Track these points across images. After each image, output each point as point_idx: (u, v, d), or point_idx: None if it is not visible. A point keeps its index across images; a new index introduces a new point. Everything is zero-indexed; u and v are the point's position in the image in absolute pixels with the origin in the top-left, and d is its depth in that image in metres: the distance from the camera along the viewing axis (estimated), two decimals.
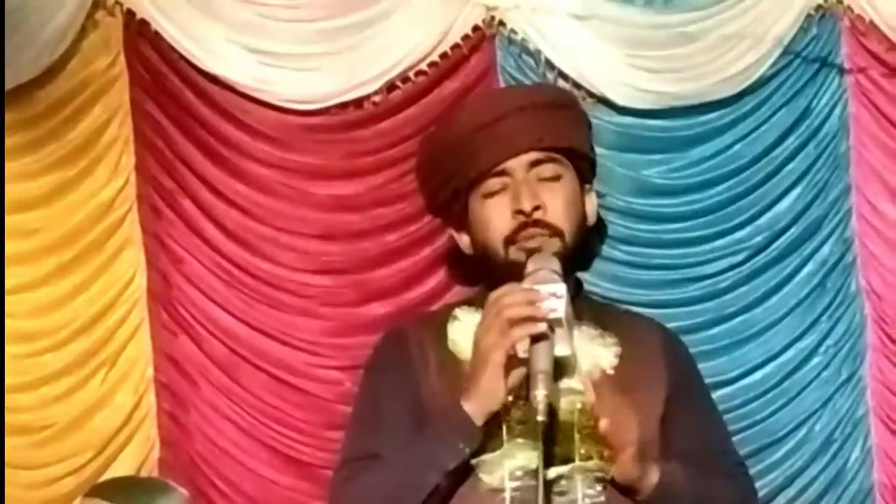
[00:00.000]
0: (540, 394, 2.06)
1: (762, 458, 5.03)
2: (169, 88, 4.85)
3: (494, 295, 2.15)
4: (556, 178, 2.27)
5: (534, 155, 2.25)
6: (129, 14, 4.79)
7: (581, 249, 2.31)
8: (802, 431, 5.20)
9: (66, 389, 4.65)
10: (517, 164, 2.24)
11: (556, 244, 2.25)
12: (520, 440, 2.19)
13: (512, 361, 2.16)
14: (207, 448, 4.77)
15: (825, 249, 5.30)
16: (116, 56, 4.80)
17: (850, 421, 5.25)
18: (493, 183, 2.26)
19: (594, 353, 2.28)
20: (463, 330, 2.31)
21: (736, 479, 2.50)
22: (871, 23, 5.32)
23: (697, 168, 5.21)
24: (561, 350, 2.12)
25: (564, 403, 2.19)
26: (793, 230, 5.27)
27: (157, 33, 4.81)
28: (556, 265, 2.18)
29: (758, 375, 5.14)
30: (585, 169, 2.34)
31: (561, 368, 2.15)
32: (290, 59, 4.91)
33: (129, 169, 4.81)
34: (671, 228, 5.15)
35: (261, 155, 4.90)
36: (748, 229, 5.25)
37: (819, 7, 5.32)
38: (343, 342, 4.86)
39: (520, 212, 2.23)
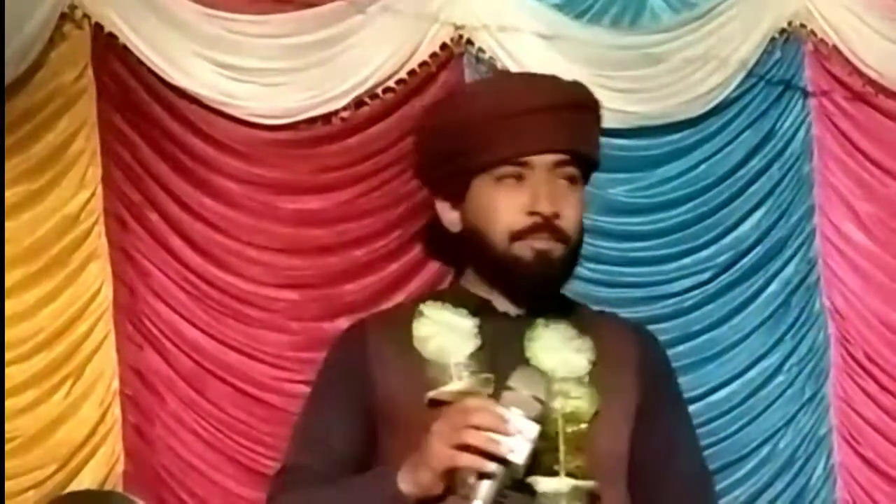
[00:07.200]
0: None
1: (726, 476, 5.06)
2: (136, 102, 4.83)
3: (465, 405, 2.05)
4: (573, 182, 2.23)
5: (559, 156, 2.20)
6: (98, 27, 4.76)
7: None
8: (766, 449, 5.24)
9: (31, 402, 4.60)
10: (541, 161, 2.17)
11: (561, 249, 2.20)
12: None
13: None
14: (173, 461, 4.74)
15: (789, 269, 5.35)
16: (84, 69, 4.77)
17: (814, 439, 5.29)
18: (509, 170, 2.19)
19: (567, 359, 2.23)
20: (429, 326, 2.24)
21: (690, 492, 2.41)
22: (834, 47, 5.39)
23: (663, 187, 5.25)
24: (514, 457, 2.00)
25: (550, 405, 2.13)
26: (757, 250, 5.32)
27: (124, 47, 4.78)
28: (540, 390, 2.07)
29: (722, 393, 5.18)
30: (589, 174, 2.30)
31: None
32: (257, 73, 4.91)
33: (96, 182, 4.78)
34: (637, 247, 5.19)
35: (228, 169, 4.89)
36: (713, 248, 5.29)
37: (783, 31, 5.39)
38: (310, 356, 4.81)
39: (537, 213, 2.18)
